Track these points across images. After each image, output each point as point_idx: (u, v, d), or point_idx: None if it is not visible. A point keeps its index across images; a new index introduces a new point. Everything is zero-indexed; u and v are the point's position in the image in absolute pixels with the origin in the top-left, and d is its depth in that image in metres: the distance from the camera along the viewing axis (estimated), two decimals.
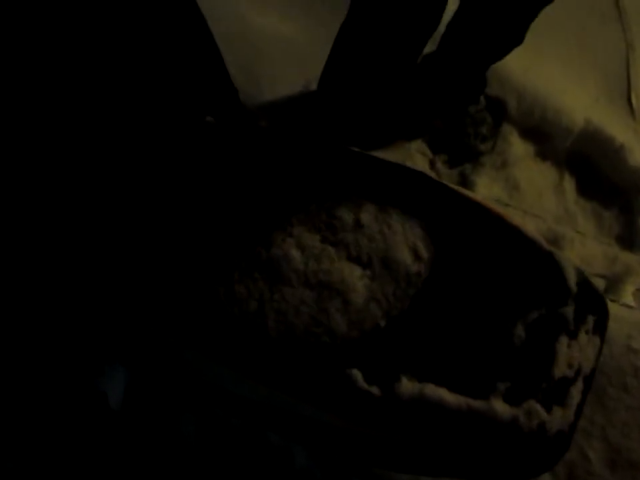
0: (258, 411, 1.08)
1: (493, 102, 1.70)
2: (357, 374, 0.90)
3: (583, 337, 0.96)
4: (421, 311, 0.97)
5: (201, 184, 1.06)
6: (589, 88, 1.77)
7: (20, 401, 1.17)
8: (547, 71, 1.74)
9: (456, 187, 1.08)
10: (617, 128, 1.70)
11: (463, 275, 0.99)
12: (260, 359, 0.93)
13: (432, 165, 1.67)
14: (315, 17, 1.75)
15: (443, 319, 0.96)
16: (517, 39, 1.40)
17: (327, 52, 1.45)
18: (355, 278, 0.97)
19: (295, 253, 0.97)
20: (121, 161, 1.06)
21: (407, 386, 0.90)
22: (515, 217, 1.05)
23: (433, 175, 1.62)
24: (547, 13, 1.33)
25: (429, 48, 1.48)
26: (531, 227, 1.06)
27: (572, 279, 0.98)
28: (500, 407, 0.90)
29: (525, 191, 1.65)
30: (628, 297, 1.47)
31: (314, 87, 1.60)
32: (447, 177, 1.65)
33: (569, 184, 1.69)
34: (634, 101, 1.78)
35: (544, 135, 1.70)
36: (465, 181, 1.65)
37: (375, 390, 0.90)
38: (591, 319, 0.98)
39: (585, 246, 1.56)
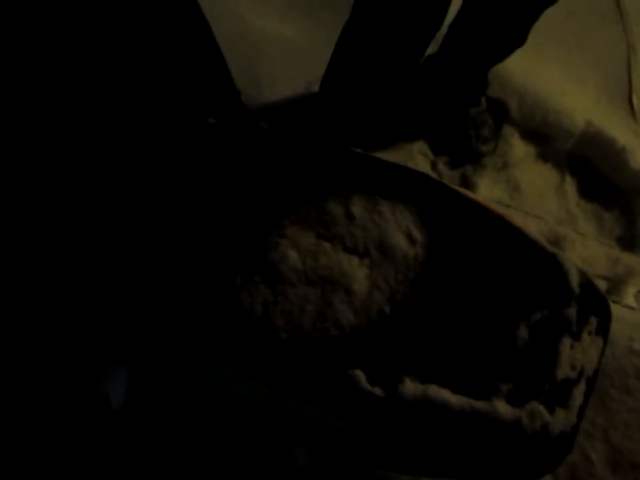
0: (260, 412, 1.08)
1: (494, 104, 1.70)
2: (360, 375, 0.90)
3: (585, 338, 0.96)
4: (422, 303, 0.97)
5: (202, 185, 1.06)
6: (590, 90, 1.77)
7: (21, 401, 1.17)
8: (547, 72, 1.74)
9: (458, 188, 1.08)
10: (618, 129, 1.70)
11: (466, 276, 0.99)
12: (266, 361, 0.93)
13: (433, 166, 1.67)
14: (316, 18, 1.75)
15: (446, 319, 0.96)
16: (519, 40, 1.40)
17: (328, 53, 1.45)
18: (354, 268, 0.97)
19: (292, 253, 0.97)
20: (123, 162, 1.06)
21: (410, 387, 0.90)
22: (517, 218, 1.05)
23: (434, 176, 1.61)
24: (547, 14, 1.33)
25: (431, 49, 1.48)
26: (532, 228, 1.06)
27: (575, 281, 0.98)
28: (503, 408, 0.90)
29: (526, 193, 1.65)
30: (630, 299, 1.47)
31: (315, 88, 1.60)
32: (448, 178, 1.65)
33: (570, 185, 1.69)
34: (635, 102, 1.78)
35: (545, 136, 1.71)
36: (466, 182, 1.65)
37: (378, 391, 0.90)
38: (593, 321, 0.98)
39: (587, 247, 1.56)
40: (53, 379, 1.18)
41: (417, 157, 1.66)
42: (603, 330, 1.00)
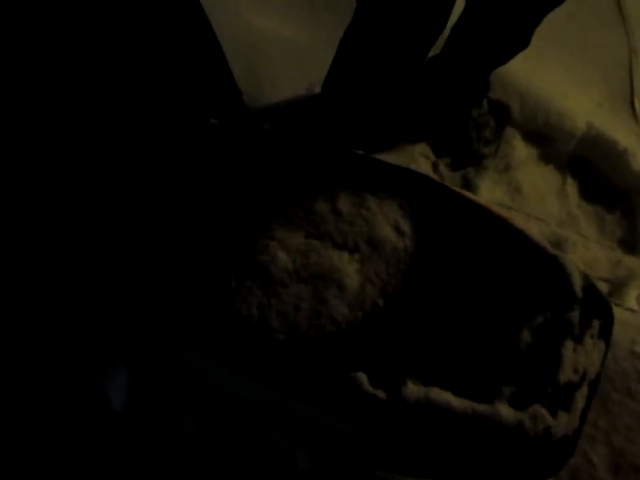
0: (261, 413, 1.08)
1: (496, 106, 1.70)
2: (362, 377, 0.90)
3: (588, 341, 0.96)
4: (425, 306, 0.97)
5: (203, 186, 1.06)
6: (592, 92, 1.77)
7: (22, 401, 1.17)
8: (549, 74, 1.74)
9: (460, 190, 1.08)
10: (619, 132, 1.70)
11: (468, 278, 0.99)
12: (266, 362, 0.93)
13: (435, 167, 1.67)
14: (318, 19, 1.75)
15: (449, 322, 0.96)
16: (522, 43, 1.40)
17: (330, 54, 1.45)
18: (345, 264, 0.98)
19: (281, 254, 0.98)
20: (124, 162, 1.06)
21: (413, 390, 0.90)
22: (519, 220, 1.05)
23: (435, 177, 1.62)
24: (550, 17, 1.33)
25: (433, 51, 1.48)
26: (534, 231, 1.06)
27: (578, 284, 0.98)
28: (505, 411, 0.90)
29: (527, 195, 1.65)
30: (631, 301, 1.46)
31: (317, 89, 1.60)
32: (450, 180, 1.65)
33: (572, 187, 1.69)
34: (637, 105, 1.78)
35: (547, 138, 1.71)
36: (468, 184, 1.65)
37: (380, 393, 0.90)
38: (596, 324, 0.98)
39: (589, 250, 1.56)
40: (54, 379, 1.18)
41: (418, 158, 1.67)
42: (606, 333, 1.00)
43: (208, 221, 1.02)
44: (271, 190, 1.05)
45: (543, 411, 0.90)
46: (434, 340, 0.94)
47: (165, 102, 1.17)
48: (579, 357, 0.95)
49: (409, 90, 1.58)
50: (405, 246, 1.00)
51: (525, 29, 1.37)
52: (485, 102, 1.68)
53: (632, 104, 1.79)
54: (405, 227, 1.01)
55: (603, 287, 1.48)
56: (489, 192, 1.63)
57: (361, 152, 1.12)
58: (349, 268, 0.98)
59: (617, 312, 1.05)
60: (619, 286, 1.50)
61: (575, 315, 0.96)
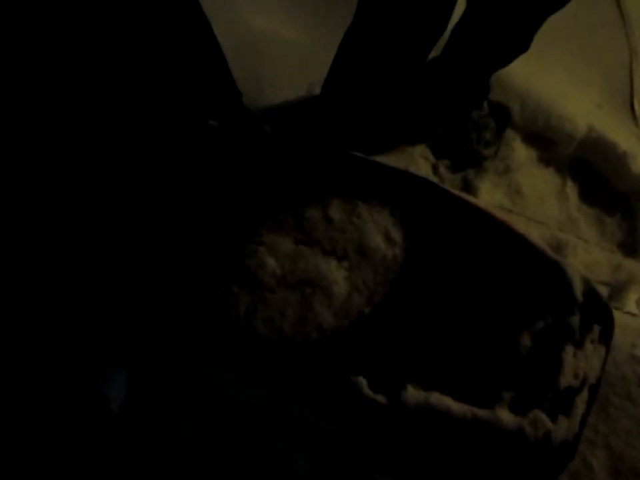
0: (260, 417, 1.08)
1: (497, 107, 1.70)
2: (362, 382, 0.90)
3: (588, 346, 0.96)
4: (426, 310, 0.97)
5: (202, 188, 1.06)
6: (592, 94, 1.77)
7: (21, 403, 1.17)
8: (550, 77, 1.74)
9: (460, 193, 1.08)
10: (619, 134, 1.70)
11: (469, 283, 0.99)
12: (262, 366, 0.94)
13: (435, 169, 1.67)
14: (318, 19, 1.75)
15: (449, 327, 0.95)
16: (522, 46, 1.40)
17: (330, 54, 1.45)
18: (333, 271, 0.98)
19: (269, 260, 0.98)
20: (123, 163, 1.06)
21: (413, 394, 0.90)
22: (519, 224, 1.05)
23: (435, 179, 1.62)
24: (550, 19, 1.33)
25: (433, 53, 1.48)
26: (535, 234, 1.05)
27: (578, 289, 0.97)
28: (505, 416, 0.89)
29: (527, 197, 1.65)
30: (631, 305, 1.46)
31: (317, 90, 1.60)
32: (450, 182, 1.65)
33: (572, 190, 1.69)
34: (637, 107, 1.78)
35: (547, 140, 1.70)
36: (468, 186, 1.65)
37: (380, 398, 0.90)
38: (596, 329, 0.98)
39: (589, 253, 1.56)
40: (53, 381, 1.18)
41: (418, 160, 1.66)
42: (606, 338, 1.00)
43: (205, 222, 1.03)
44: (265, 193, 1.05)
45: (543, 416, 0.90)
46: (434, 344, 0.94)
47: (165, 103, 1.17)
48: (579, 362, 0.95)
49: (409, 91, 1.58)
50: (394, 255, 1.00)
51: (526, 32, 1.36)
52: (485, 104, 1.68)
53: (632, 105, 1.79)
54: (396, 235, 1.01)
55: (603, 291, 1.48)
56: (488, 194, 1.63)
57: (360, 154, 1.12)
58: (337, 275, 0.98)
59: (617, 315, 1.04)
60: (619, 289, 1.50)
61: (575, 320, 0.96)
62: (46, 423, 1.19)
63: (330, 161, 1.08)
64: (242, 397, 1.03)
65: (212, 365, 0.97)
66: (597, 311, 0.99)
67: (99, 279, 1.00)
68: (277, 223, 1.02)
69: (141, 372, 1.24)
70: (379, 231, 1.01)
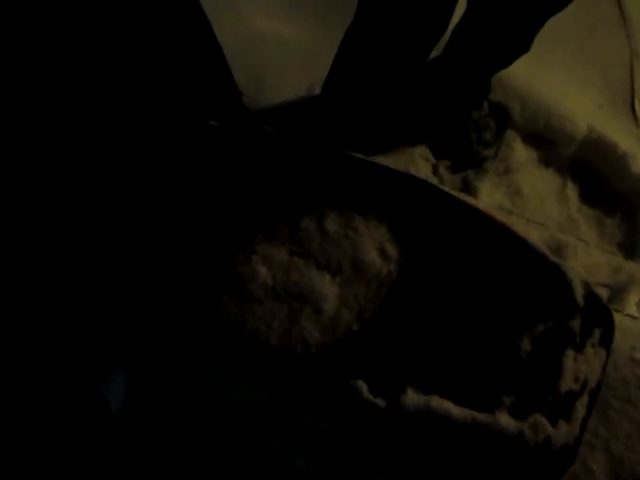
0: (259, 419, 1.07)
1: (497, 108, 1.70)
2: (362, 385, 0.90)
3: (589, 350, 0.96)
4: (424, 313, 0.97)
5: (201, 189, 1.05)
6: (593, 95, 1.77)
7: (21, 404, 1.17)
8: (550, 77, 1.74)
9: (460, 195, 1.07)
10: (620, 135, 1.70)
11: (469, 286, 0.99)
12: (259, 369, 0.94)
13: (435, 170, 1.67)
14: (318, 19, 1.75)
15: (449, 330, 0.95)
16: (523, 47, 1.40)
17: (330, 55, 1.45)
18: (325, 286, 0.98)
19: (262, 269, 0.98)
20: (123, 164, 1.06)
21: (413, 398, 0.90)
22: (519, 226, 1.05)
23: (435, 180, 1.62)
24: (550, 19, 1.32)
25: (434, 53, 1.47)
26: (535, 237, 1.05)
27: (579, 292, 0.97)
28: (505, 420, 0.89)
29: (527, 198, 1.65)
30: (632, 307, 1.46)
31: (317, 90, 1.60)
32: (450, 182, 1.65)
33: (572, 191, 1.68)
34: (637, 108, 1.78)
35: (547, 141, 1.70)
36: (468, 187, 1.64)
37: (380, 402, 0.90)
38: (597, 332, 0.98)
39: (589, 255, 1.55)
40: (53, 382, 1.18)
41: (418, 160, 1.66)
42: (606, 342, 0.99)
43: (203, 222, 1.02)
44: (263, 196, 1.05)
45: (544, 421, 0.90)
46: (434, 348, 0.94)
47: (165, 103, 1.17)
48: (580, 366, 0.95)
49: (409, 92, 1.57)
50: (389, 271, 0.99)
51: (526, 32, 1.36)
52: (485, 104, 1.68)
53: (632, 106, 1.79)
54: (392, 250, 1.01)
55: (603, 293, 1.48)
56: (488, 195, 1.63)
57: (359, 154, 1.12)
58: (328, 290, 0.97)
59: (617, 318, 1.04)
60: (619, 292, 1.49)
61: (576, 324, 0.96)
62: (45, 424, 1.18)
63: (329, 162, 1.08)
64: (241, 399, 1.03)
65: (211, 366, 0.97)
66: (598, 315, 0.99)
67: (98, 279, 0.99)
68: (272, 232, 1.01)
69: (140, 373, 1.23)
70: (375, 245, 1.01)
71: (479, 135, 1.67)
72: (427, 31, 1.35)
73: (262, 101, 1.60)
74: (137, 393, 1.26)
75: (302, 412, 0.94)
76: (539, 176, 1.68)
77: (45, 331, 1.12)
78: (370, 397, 0.90)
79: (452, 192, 1.07)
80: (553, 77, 1.75)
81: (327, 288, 0.97)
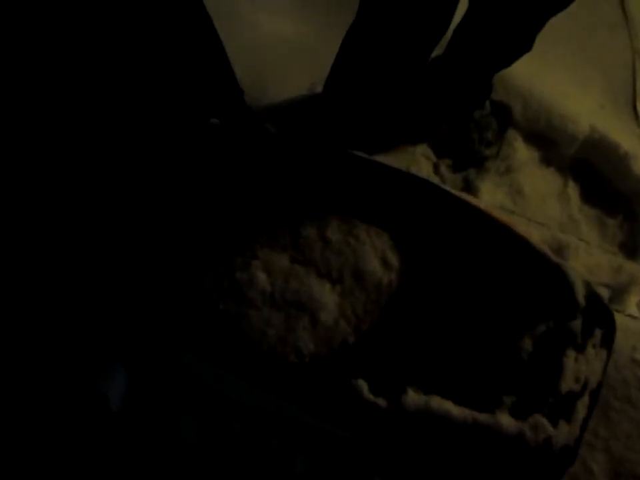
0: (259, 418, 1.07)
1: (499, 107, 1.69)
2: (362, 385, 0.90)
3: (590, 350, 0.96)
4: (426, 313, 0.97)
5: (202, 187, 1.05)
6: (595, 95, 1.77)
7: (21, 402, 1.17)
8: (552, 76, 1.74)
9: (462, 195, 1.07)
10: (622, 135, 1.69)
11: (470, 286, 0.99)
12: (258, 369, 0.94)
13: (436, 169, 1.66)
14: (320, 18, 1.75)
15: (450, 330, 0.95)
16: (525, 46, 1.39)
17: (332, 53, 1.45)
18: (325, 295, 0.97)
19: (262, 275, 0.97)
20: (123, 162, 1.06)
21: (413, 398, 0.90)
22: (521, 226, 1.05)
23: (436, 179, 1.62)
24: (553, 19, 1.32)
25: (436, 52, 1.47)
26: (536, 236, 1.05)
27: (580, 292, 0.97)
28: (506, 420, 0.89)
29: (528, 197, 1.65)
30: (632, 308, 1.46)
31: (319, 89, 1.60)
32: (451, 181, 1.65)
33: (573, 191, 1.68)
34: (639, 107, 1.78)
35: (549, 141, 1.70)
36: (469, 186, 1.64)
37: (380, 401, 0.90)
38: (598, 333, 0.98)
39: (590, 255, 1.55)
40: (53, 380, 1.18)
41: (419, 159, 1.66)
42: (607, 342, 0.99)
43: (204, 222, 1.02)
44: (265, 196, 1.04)
45: (544, 421, 0.90)
46: (435, 348, 0.94)
47: (166, 101, 1.16)
48: (581, 366, 0.94)
49: (410, 90, 1.57)
50: (389, 280, 0.99)
51: (528, 32, 1.36)
52: (487, 103, 1.68)
53: (634, 106, 1.79)
54: (393, 260, 1.00)
55: (604, 293, 1.48)
56: (490, 194, 1.63)
57: (361, 153, 1.12)
58: (328, 299, 0.97)
59: (618, 318, 1.04)
60: (620, 292, 1.49)
61: (577, 324, 0.96)
62: (45, 422, 1.19)
63: (331, 161, 1.08)
64: (241, 398, 1.03)
65: (210, 365, 0.97)
66: (599, 315, 0.99)
67: (98, 277, 0.99)
68: (274, 237, 1.01)
69: (140, 370, 1.23)
70: (376, 254, 1.00)
71: (480, 134, 1.67)
72: (428, 30, 1.34)
73: (263, 100, 1.60)
74: (136, 391, 1.26)
75: (302, 411, 0.94)
76: (540, 176, 1.68)
77: (45, 329, 1.12)
78: (370, 396, 0.90)
79: (453, 191, 1.07)
80: (555, 77, 1.74)
81: (327, 297, 0.97)
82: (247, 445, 1.27)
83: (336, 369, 0.93)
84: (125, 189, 1.05)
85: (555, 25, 1.35)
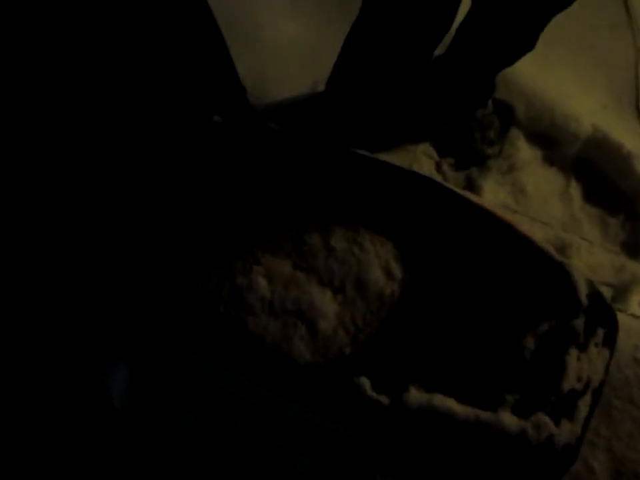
0: (261, 415, 1.08)
1: (501, 106, 1.70)
2: (365, 382, 0.90)
3: (592, 349, 0.96)
4: (428, 311, 0.97)
5: (205, 185, 1.05)
6: (598, 94, 1.77)
7: (23, 398, 1.17)
8: (555, 76, 1.74)
9: (465, 193, 1.07)
10: (624, 135, 1.69)
11: (472, 284, 0.99)
12: (260, 367, 0.94)
13: (438, 168, 1.67)
14: (323, 16, 1.75)
15: (453, 328, 0.95)
16: (528, 45, 1.39)
17: (334, 51, 1.45)
18: (326, 304, 0.96)
19: (262, 281, 0.97)
20: (126, 162, 1.06)
21: (416, 395, 0.90)
22: (524, 224, 1.05)
23: (439, 178, 1.61)
24: (556, 18, 1.32)
25: (438, 50, 1.47)
26: (539, 235, 1.05)
27: (583, 291, 0.97)
28: (508, 419, 0.89)
29: (531, 196, 1.65)
30: (635, 307, 1.46)
31: (321, 87, 1.60)
32: (453, 180, 1.65)
33: (575, 190, 1.68)
34: None
35: (551, 140, 1.70)
36: (471, 185, 1.64)
37: (383, 399, 0.90)
38: (601, 332, 0.98)
39: (592, 254, 1.55)
40: (55, 376, 1.18)
41: (421, 158, 1.66)
42: (610, 341, 0.99)
43: (208, 221, 1.02)
44: (268, 198, 1.04)
45: (546, 419, 0.90)
46: (438, 346, 0.94)
47: (169, 98, 1.16)
48: (583, 365, 0.94)
49: (413, 89, 1.57)
50: (391, 291, 0.98)
51: (532, 30, 1.36)
52: (489, 102, 1.68)
53: (637, 106, 1.78)
54: (396, 270, 0.99)
55: (606, 292, 1.48)
56: (492, 193, 1.63)
57: (364, 151, 1.11)
58: (328, 308, 0.96)
59: (620, 318, 1.04)
60: (622, 291, 1.49)
61: (579, 323, 0.96)
62: (48, 418, 1.19)
63: (333, 159, 1.08)
64: (243, 396, 1.03)
65: (212, 363, 0.97)
66: (602, 314, 0.99)
67: (100, 273, 0.99)
68: (277, 242, 1.00)
69: (142, 367, 1.23)
70: (380, 264, 0.99)
71: (483, 133, 1.67)
72: (431, 28, 1.35)
73: (266, 98, 1.60)
74: (139, 388, 1.26)
75: (304, 409, 0.94)
76: (542, 175, 1.68)
77: (47, 325, 1.12)
78: (373, 394, 0.90)
79: (456, 189, 1.07)
80: (558, 76, 1.74)
81: (327, 305, 0.96)
82: (249, 443, 1.27)
83: (334, 372, 0.93)
84: (128, 186, 1.05)
85: (558, 24, 1.35)
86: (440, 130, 1.68)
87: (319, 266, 0.98)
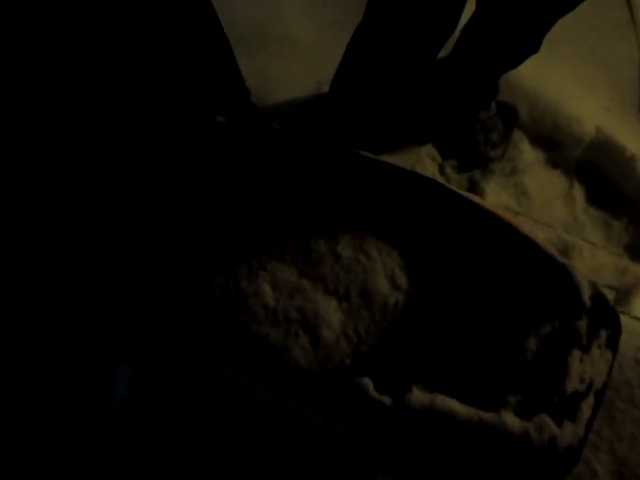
0: (262, 415, 1.08)
1: (504, 108, 1.70)
2: (367, 382, 0.90)
3: (595, 351, 0.96)
4: (431, 311, 0.97)
5: (208, 186, 1.05)
6: (601, 96, 1.77)
7: (25, 398, 1.17)
8: (558, 78, 1.74)
9: (467, 194, 1.07)
10: (628, 137, 1.70)
11: (475, 285, 0.99)
12: (262, 366, 0.94)
13: (441, 169, 1.67)
14: (327, 18, 1.75)
15: (456, 329, 0.95)
16: (532, 47, 1.39)
17: (338, 53, 1.45)
18: (331, 313, 0.95)
19: (267, 288, 0.96)
20: (127, 163, 1.06)
21: (418, 396, 0.90)
22: (526, 226, 1.05)
23: (442, 180, 1.61)
24: (560, 20, 1.32)
25: (442, 53, 1.47)
26: (541, 237, 1.05)
27: (586, 293, 0.97)
28: (511, 420, 0.89)
29: (533, 199, 1.65)
30: (638, 309, 1.46)
31: (325, 88, 1.60)
32: (456, 182, 1.65)
33: (579, 192, 1.68)
34: None
35: (554, 142, 1.70)
36: (474, 187, 1.64)
37: (385, 399, 0.90)
38: (603, 334, 0.98)
39: (595, 256, 1.55)
40: (57, 376, 1.18)
41: (424, 160, 1.66)
42: (613, 343, 0.99)
43: (211, 223, 1.02)
44: (272, 200, 1.03)
45: (549, 421, 0.90)
46: (440, 347, 0.94)
47: (172, 99, 1.16)
48: (586, 367, 0.94)
49: (417, 91, 1.57)
50: (396, 301, 0.97)
51: (536, 33, 1.36)
52: (493, 104, 1.68)
53: None
54: (402, 280, 0.98)
55: (609, 295, 1.48)
56: (495, 195, 1.63)
57: (367, 153, 1.12)
58: (332, 317, 0.95)
59: (623, 320, 1.04)
60: (625, 293, 1.50)
61: (582, 325, 0.96)
62: (49, 419, 1.19)
63: (337, 160, 1.08)
64: (244, 396, 1.03)
65: (214, 362, 0.97)
66: (605, 316, 0.99)
67: (104, 274, 0.99)
68: (283, 249, 0.99)
69: (144, 368, 1.24)
70: (386, 273, 0.98)
71: (486, 135, 1.67)
72: (435, 30, 1.35)
73: (270, 98, 1.60)
74: (140, 388, 1.26)
75: (305, 409, 0.94)
76: (545, 177, 1.68)
77: (50, 325, 1.13)
78: (375, 394, 0.89)
79: (459, 191, 1.07)
80: (561, 78, 1.74)
81: (332, 314, 0.95)
82: (250, 443, 1.27)
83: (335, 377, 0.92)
84: (130, 187, 1.05)
85: (561, 25, 1.35)
86: (443, 132, 1.68)
87: (325, 273, 0.97)
